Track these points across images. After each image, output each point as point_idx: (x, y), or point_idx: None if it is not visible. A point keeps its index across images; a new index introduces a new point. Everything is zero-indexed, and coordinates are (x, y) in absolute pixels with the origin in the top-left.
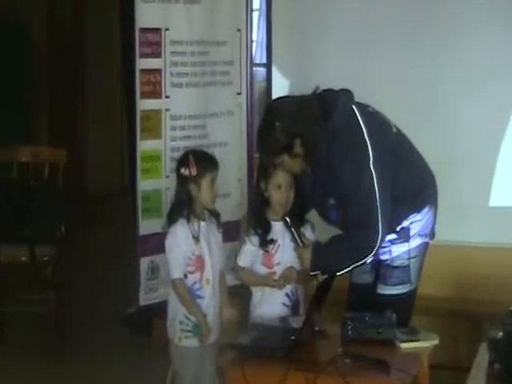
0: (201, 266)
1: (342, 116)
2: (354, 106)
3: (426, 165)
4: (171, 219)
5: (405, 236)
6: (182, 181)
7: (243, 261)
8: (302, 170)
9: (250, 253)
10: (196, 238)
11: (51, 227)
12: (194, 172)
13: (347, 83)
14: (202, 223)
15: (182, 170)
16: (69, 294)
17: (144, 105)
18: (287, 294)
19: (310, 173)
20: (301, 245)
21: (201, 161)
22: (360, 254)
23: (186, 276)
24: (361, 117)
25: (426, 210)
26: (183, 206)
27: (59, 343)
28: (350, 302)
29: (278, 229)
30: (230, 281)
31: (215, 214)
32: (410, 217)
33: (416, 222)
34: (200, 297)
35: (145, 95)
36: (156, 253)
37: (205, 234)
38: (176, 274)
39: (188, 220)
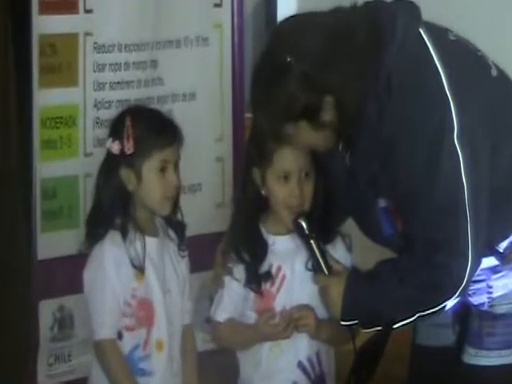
0: (147, 319)
1: (402, 50)
2: (422, 32)
3: None
4: (94, 232)
5: None
6: (111, 162)
7: (223, 312)
8: (328, 148)
9: (233, 295)
10: (139, 269)
11: None
12: (129, 148)
13: None
14: (151, 241)
15: (109, 143)
16: None
17: (46, 25)
18: (301, 365)
19: (342, 153)
20: (325, 271)
21: (144, 127)
22: (434, 295)
23: (121, 335)
24: (436, 52)
25: None
26: (113, 209)
27: None
28: (414, 379)
29: (282, 248)
30: (203, 343)
31: (177, 225)
32: None
33: None
34: (146, 373)
35: (47, 8)
36: (68, 292)
37: (155, 261)
38: (102, 330)
39: (124, 234)
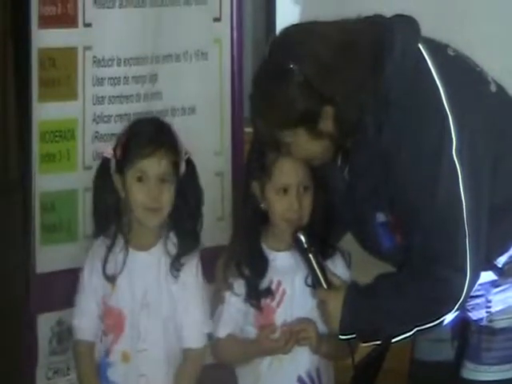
0: (115, 327)
1: (401, 65)
2: (421, 47)
3: None
4: (93, 234)
5: None
6: (104, 167)
7: (224, 328)
8: (324, 160)
9: (233, 310)
10: (110, 279)
11: None
12: (119, 154)
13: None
14: (136, 254)
15: (104, 147)
16: None
17: (46, 39)
18: (301, 379)
19: (341, 167)
20: (324, 285)
21: (132, 135)
22: (432, 309)
23: (101, 338)
24: (435, 67)
25: None
26: (107, 215)
27: None
28: None
29: (282, 264)
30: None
31: (188, 239)
32: None
33: None
34: (110, 381)
35: (47, 22)
36: (67, 306)
37: (136, 274)
38: (77, 331)
39: (113, 240)
